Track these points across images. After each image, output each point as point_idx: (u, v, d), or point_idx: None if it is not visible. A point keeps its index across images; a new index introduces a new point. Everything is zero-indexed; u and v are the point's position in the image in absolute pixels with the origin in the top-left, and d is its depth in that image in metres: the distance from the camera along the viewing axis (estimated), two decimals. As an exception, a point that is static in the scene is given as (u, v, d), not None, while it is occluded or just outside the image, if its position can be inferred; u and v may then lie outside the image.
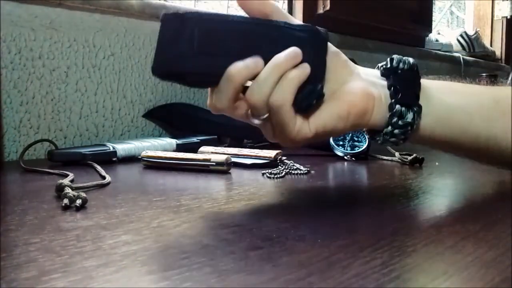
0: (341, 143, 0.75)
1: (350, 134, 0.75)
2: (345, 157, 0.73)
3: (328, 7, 1.26)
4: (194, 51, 0.38)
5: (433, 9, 1.80)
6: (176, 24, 0.39)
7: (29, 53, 0.74)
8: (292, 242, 0.31)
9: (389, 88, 0.44)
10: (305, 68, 0.39)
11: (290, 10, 1.29)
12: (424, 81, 0.46)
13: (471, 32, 1.95)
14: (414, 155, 0.67)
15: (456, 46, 1.89)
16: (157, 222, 0.36)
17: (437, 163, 0.68)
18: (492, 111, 0.47)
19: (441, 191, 0.54)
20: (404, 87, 0.44)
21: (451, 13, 2.29)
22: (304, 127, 0.40)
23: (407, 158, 0.68)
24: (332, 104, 0.41)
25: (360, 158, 0.73)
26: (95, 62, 0.83)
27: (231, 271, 0.26)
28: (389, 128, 0.43)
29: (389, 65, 0.45)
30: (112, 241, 0.31)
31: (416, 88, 0.44)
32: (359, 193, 0.53)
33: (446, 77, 0.52)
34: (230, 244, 0.31)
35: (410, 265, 0.28)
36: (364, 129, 0.48)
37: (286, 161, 0.63)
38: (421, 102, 0.44)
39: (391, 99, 0.43)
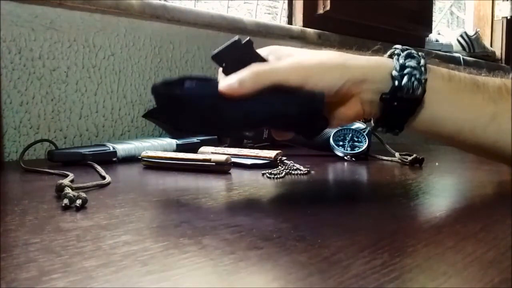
0: (341, 143, 0.75)
1: (350, 135, 0.75)
2: (345, 157, 0.73)
3: (328, 7, 1.26)
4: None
5: (433, 9, 1.80)
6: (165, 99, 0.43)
7: (29, 53, 0.74)
8: (292, 242, 0.31)
9: (379, 116, 0.45)
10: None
11: (290, 10, 1.29)
12: (433, 83, 0.45)
13: (471, 33, 1.95)
14: (414, 155, 0.67)
15: (456, 47, 1.89)
16: (157, 222, 0.36)
17: (437, 163, 0.69)
18: (485, 129, 0.46)
19: (441, 191, 0.54)
20: (394, 118, 0.45)
21: (451, 13, 2.29)
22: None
23: (407, 158, 0.68)
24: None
25: (360, 158, 0.73)
26: (95, 62, 0.83)
27: (231, 271, 0.26)
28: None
29: (392, 90, 0.44)
30: (112, 241, 0.31)
31: (406, 116, 0.45)
32: (359, 194, 0.53)
33: (460, 68, 0.50)
34: (230, 244, 0.31)
35: (410, 265, 0.28)
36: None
37: (286, 161, 0.63)
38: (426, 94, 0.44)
39: (378, 121, 0.47)
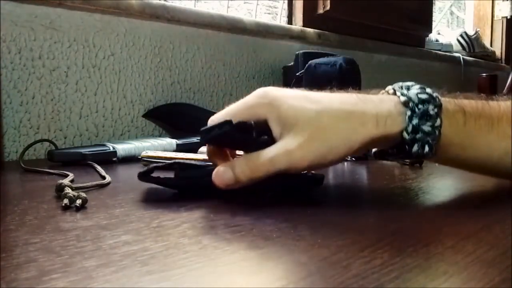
0: (341, 143, 0.75)
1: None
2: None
3: (328, 7, 1.26)
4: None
5: (433, 9, 1.80)
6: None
7: (29, 53, 0.74)
8: (292, 242, 0.31)
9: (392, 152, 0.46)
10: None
11: (290, 10, 1.29)
12: (448, 121, 0.42)
13: (471, 32, 1.95)
14: (414, 155, 0.67)
15: (456, 46, 1.89)
16: (157, 222, 0.36)
17: (437, 164, 0.68)
18: (498, 162, 0.45)
19: (441, 191, 0.54)
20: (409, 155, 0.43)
21: (451, 13, 2.29)
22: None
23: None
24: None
25: (360, 158, 0.73)
26: (95, 62, 0.83)
27: (231, 271, 0.26)
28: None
29: (411, 97, 0.42)
30: (112, 241, 0.31)
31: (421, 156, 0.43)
32: (359, 193, 0.53)
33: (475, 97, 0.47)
34: (230, 244, 0.31)
35: (410, 265, 0.28)
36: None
37: (286, 161, 0.63)
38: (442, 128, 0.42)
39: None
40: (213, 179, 0.42)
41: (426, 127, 0.41)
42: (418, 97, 0.41)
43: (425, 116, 0.41)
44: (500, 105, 0.46)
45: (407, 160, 0.67)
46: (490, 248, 0.31)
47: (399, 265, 0.27)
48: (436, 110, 0.41)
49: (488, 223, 0.37)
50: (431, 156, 0.43)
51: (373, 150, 0.49)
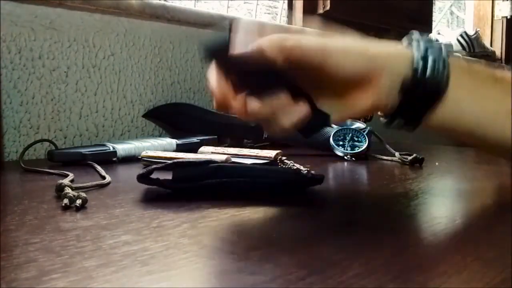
0: (341, 143, 0.75)
1: (350, 134, 0.75)
2: (345, 157, 0.73)
3: (328, 7, 1.26)
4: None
5: (433, 9, 1.80)
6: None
7: (29, 53, 0.74)
8: (292, 242, 0.31)
9: (398, 105, 0.41)
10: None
11: (290, 10, 1.29)
12: (453, 73, 0.42)
13: (471, 32, 1.95)
14: (414, 155, 0.67)
15: (456, 46, 1.89)
16: (157, 222, 0.36)
17: (437, 163, 0.69)
18: (504, 122, 0.43)
19: (441, 191, 0.54)
20: (415, 106, 0.42)
21: (451, 13, 2.29)
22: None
23: (407, 158, 0.68)
24: (336, 105, 0.41)
25: (360, 158, 0.73)
26: (95, 62, 0.83)
27: (231, 271, 0.26)
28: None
29: (415, 81, 0.41)
30: (112, 241, 0.31)
31: (428, 105, 0.42)
32: (359, 193, 0.53)
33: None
34: (230, 244, 0.31)
35: (410, 265, 0.28)
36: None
37: (286, 161, 0.63)
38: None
39: (396, 112, 0.42)
40: (232, 52, 0.38)
41: (435, 46, 0.41)
42: (419, 33, 0.43)
43: (431, 41, 0.42)
44: (500, 70, 0.46)
45: (406, 160, 0.67)
46: (490, 248, 0.31)
47: (399, 265, 0.27)
48: (437, 42, 0.43)
49: (488, 223, 0.37)
50: (446, 76, 0.41)
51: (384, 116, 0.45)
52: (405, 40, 0.45)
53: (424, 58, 0.41)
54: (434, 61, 0.41)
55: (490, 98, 0.44)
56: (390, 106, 0.42)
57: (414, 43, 0.43)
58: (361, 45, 0.42)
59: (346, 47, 0.41)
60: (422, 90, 0.41)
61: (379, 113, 0.45)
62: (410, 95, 0.41)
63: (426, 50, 0.41)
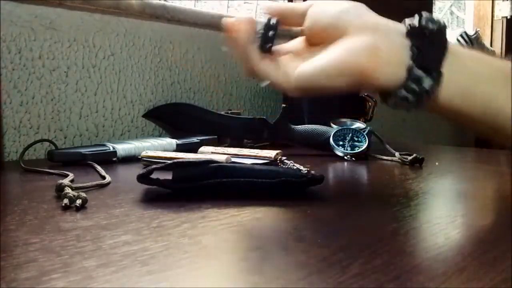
0: (341, 143, 0.75)
1: (350, 134, 0.75)
2: (345, 157, 0.73)
3: (328, 7, 1.26)
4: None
5: (433, 9, 1.80)
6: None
7: (29, 53, 0.74)
8: (292, 242, 0.31)
9: (411, 49, 0.40)
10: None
11: (290, 10, 1.28)
12: (452, 46, 0.42)
13: (471, 32, 1.95)
14: (414, 155, 0.67)
15: (456, 46, 1.89)
16: (157, 222, 0.36)
17: (437, 163, 0.69)
18: (508, 100, 0.41)
19: (441, 191, 0.54)
20: (429, 50, 0.40)
21: (451, 13, 2.29)
22: (288, 73, 0.42)
23: (407, 158, 0.68)
24: (326, 55, 0.41)
25: (360, 158, 0.73)
26: (95, 62, 0.83)
27: (231, 271, 0.26)
28: (403, 91, 0.40)
29: (417, 24, 0.41)
30: (112, 241, 0.31)
31: (441, 53, 0.41)
32: (359, 193, 0.53)
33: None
34: (230, 244, 0.31)
35: (410, 265, 0.28)
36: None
37: (286, 161, 0.63)
38: (444, 68, 0.40)
39: (412, 60, 0.40)
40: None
41: (431, 24, 0.42)
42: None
43: (430, 20, 0.42)
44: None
45: (406, 160, 0.67)
46: (490, 248, 0.31)
47: (399, 265, 0.27)
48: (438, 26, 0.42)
49: (488, 223, 0.37)
50: (445, 33, 0.41)
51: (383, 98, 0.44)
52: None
53: (421, 25, 0.41)
54: (430, 20, 0.41)
55: (490, 73, 0.43)
56: (397, 59, 0.40)
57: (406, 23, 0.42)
58: (372, 38, 0.41)
59: (375, 53, 0.40)
60: (428, 33, 0.41)
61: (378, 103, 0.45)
62: (418, 35, 0.41)
63: (419, 19, 0.42)
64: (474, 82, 0.42)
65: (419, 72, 0.39)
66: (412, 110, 0.42)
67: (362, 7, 0.43)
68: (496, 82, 0.42)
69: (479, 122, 0.43)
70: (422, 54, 0.40)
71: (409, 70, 0.40)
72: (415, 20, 0.42)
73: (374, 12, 0.43)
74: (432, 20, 0.42)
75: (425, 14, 0.42)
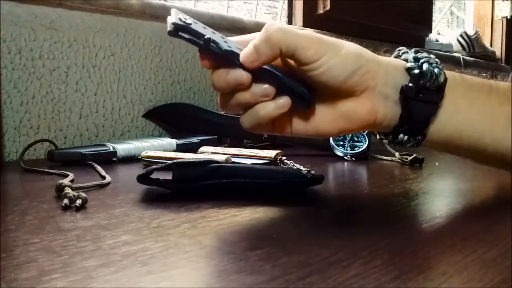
0: (341, 143, 0.75)
1: (350, 134, 0.75)
2: (345, 157, 0.73)
3: (328, 7, 1.26)
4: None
5: (433, 9, 1.80)
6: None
7: (29, 53, 0.74)
8: (292, 242, 0.31)
9: (400, 117, 0.41)
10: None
11: (290, 10, 1.29)
12: (448, 83, 0.42)
13: (471, 32, 1.95)
14: (414, 155, 0.67)
15: (456, 46, 1.89)
16: (157, 222, 0.36)
17: (437, 163, 0.69)
18: (504, 130, 0.44)
19: (441, 191, 0.54)
20: (418, 116, 0.41)
21: (451, 13, 2.29)
22: (300, 128, 0.41)
23: (407, 158, 0.68)
24: (331, 115, 0.41)
25: (360, 158, 0.73)
26: (95, 62, 0.83)
27: (231, 271, 0.26)
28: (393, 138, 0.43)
29: (413, 80, 0.41)
30: (112, 241, 0.31)
31: (430, 113, 0.41)
32: (359, 193, 0.53)
33: (481, 75, 0.48)
34: (230, 244, 0.31)
35: (410, 265, 0.28)
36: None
37: (286, 161, 0.63)
38: (436, 114, 0.42)
39: (398, 126, 0.42)
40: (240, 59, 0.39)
41: (424, 54, 0.42)
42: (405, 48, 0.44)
43: (419, 52, 0.43)
44: (492, 80, 0.47)
45: (406, 160, 0.67)
46: (490, 248, 0.31)
47: (399, 265, 0.27)
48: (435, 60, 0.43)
49: (488, 223, 0.37)
50: (443, 80, 0.41)
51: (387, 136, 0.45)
52: (394, 54, 0.45)
53: (417, 60, 0.41)
54: (428, 61, 0.41)
55: (487, 106, 0.44)
56: (389, 116, 0.41)
57: (403, 54, 0.43)
58: (356, 47, 0.41)
59: (341, 45, 0.41)
60: (423, 90, 0.40)
61: (377, 136, 0.46)
62: (411, 98, 0.40)
63: (416, 55, 0.42)
64: (460, 128, 0.43)
65: (403, 137, 0.42)
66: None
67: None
68: (482, 128, 0.43)
69: (463, 153, 0.47)
70: (410, 122, 0.41)
71: (394, 132, 0.42)
72: (414, 72, 0.41)
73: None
74: (432, 74, 0.41)
75: (426, 66, 0.41)
